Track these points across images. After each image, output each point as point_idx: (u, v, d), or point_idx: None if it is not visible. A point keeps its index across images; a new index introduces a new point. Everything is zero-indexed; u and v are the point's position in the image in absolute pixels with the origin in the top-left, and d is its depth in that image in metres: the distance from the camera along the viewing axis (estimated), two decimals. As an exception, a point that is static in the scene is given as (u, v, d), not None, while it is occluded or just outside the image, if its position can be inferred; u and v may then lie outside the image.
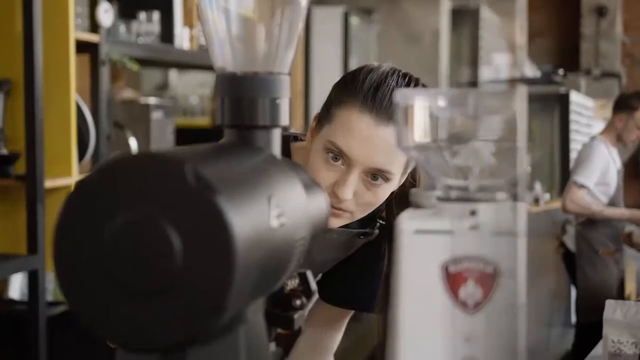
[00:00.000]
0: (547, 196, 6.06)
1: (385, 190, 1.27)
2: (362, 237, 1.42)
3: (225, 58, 0.82)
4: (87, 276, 0.62)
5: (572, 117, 6.99)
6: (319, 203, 0.85)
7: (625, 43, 9.07)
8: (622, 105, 4.31)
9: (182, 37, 3.14)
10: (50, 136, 2.43)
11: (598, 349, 2.13)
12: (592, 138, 4.51)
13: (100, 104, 2.67)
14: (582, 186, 4.19)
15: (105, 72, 2.67)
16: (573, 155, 7.13)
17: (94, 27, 2.65)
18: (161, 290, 0.60)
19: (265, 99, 0.80)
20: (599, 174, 4.23)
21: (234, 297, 0.61)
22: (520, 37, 5.50)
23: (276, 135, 0.82)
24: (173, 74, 5.34)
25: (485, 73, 5.34)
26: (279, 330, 0.91)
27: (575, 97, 7.03)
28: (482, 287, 0.68)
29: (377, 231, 1.41)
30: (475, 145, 0.72)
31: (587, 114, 7.48)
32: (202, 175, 0.60)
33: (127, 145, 2.88)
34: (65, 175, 2.49)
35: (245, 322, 0.68)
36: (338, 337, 1.52)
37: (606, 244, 4.37)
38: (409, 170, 1.32)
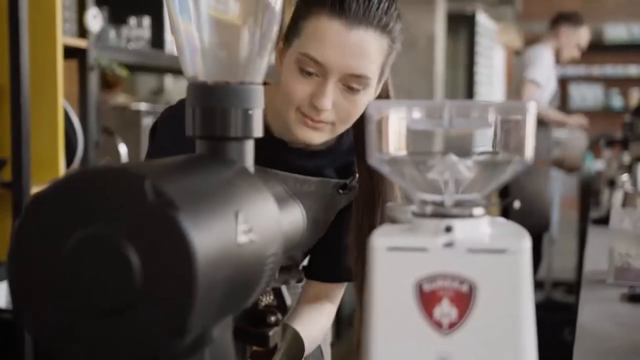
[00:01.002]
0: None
1: (363, 99, 1.25)
2: (341, 191, 1.41)
3: (196, 67, 0.79)
4: (43, 293, 0.60)
5: (477, 39, 7.11)
6: (293, 216, 0.83)
7: None
8: (569, 19, 4.39)
9: (173, 43, 3.12)
10: (37, 142, 2.40)
11: (600, 266, 1.97)
12: (534, 45, 4.60)
13: (89, 109, 2.64)
14: (536, 83, 4.26)
15: (93, 78, 2.64)
16: (477, 78, 7.25)
17: (83, 32, 2.62)
18: (120, 310, 0.58)
19: (237, 109, 0.77)
20: (546, 76, 4.31)
21: (197, 318, 0.59)
22: None
23: (249, 147, 0.79)
24: (168, 79, 5.32)
25: None
26: (254, 347, 0.89)
27: (481, 19, 7.12)
28: (457, 307, 0.65)
29: (355, 184, 1.39)
30: (451, 159, 0.69)
31: (490, 38, 7.65)
32: (163, 190, 0.58)
33: (117, 152, 2.85)
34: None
35: (211, 342, 0.65)
36: (333, 310, 1.49)
37: (542, 154, 4.39)
38: (384, 78, 1.31)
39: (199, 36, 0.79)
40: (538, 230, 4.39)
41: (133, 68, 3.29)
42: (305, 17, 1.24)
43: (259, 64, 0.80)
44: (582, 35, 4.35)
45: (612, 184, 3.19)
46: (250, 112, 0.78)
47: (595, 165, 8.85)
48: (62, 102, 2.46)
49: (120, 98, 3.96)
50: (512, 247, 0.64)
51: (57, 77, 2.43)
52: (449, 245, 0.65)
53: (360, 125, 1.31)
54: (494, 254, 0.64)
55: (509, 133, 0.66)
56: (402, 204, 0.77)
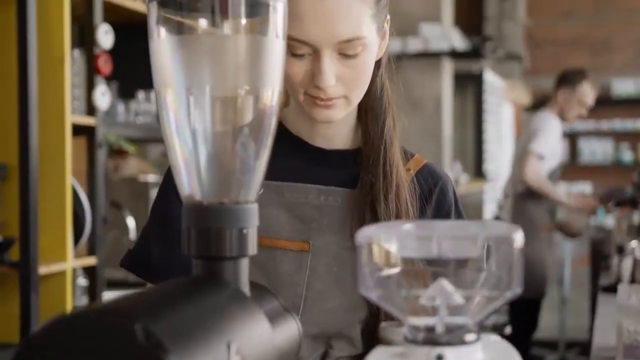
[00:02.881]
0: (465, 177, 6.16)
1: (367, 59, 1.17)
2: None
3: (192, 186, 0.80)
4: None
5: (485, 97, 7.15)
6: (289, 333, 0.83)
7: (528, 26, 9.29)
8: (564, 81, 4.39)
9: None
10: (45, 221, 2.42)
11: (609, 340, 1.91)
12: (541, 111, 4.57)
13: (97, 186, 2.67)
14: (540, 156, 4.21)
15: (102, 155, 2.67)
16: (486, 136, 7.27)
17: (91, 109, 2.66)
18: None
19: (232, 229, 0.78)
20: (552, 147, 4.28)
21: None
22: (446, 6, 5.49)
23: (244, 265, 0.80)
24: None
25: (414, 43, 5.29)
26: None
27: (488, 77, 7.17)
28: None
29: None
30: (442, 285, 0.70)
31: (498, 94, 7.68)
32: (152, 332, 0.58)
33: (125, 225, 2.87)
34: (61, 260, 2.48)
35: None
36: None
37: (544, 219, 4.35)
38: (386, 24, 1.22)
39: (195, 156, 0.80)
40: (534, 296, 4.36)
41: (142, 140, 3.33)
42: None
43: (253, 181, 0.81)
44: (582, 93, 4.35)
45: (621, 250, 3.17)
46: (245, 231, 0.79)
47: (607, 220, 8.80)
48: (70, 181, 2.48)
49: (132, 162, 3.99)
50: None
51: (66, 155, 2.46)
52: (440, 375, 0.65)
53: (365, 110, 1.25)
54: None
55: (498, 261, 0.67)
56: (396, 324, 0.77)
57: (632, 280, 2.83)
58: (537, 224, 4.30)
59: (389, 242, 0.69)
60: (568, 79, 4.40)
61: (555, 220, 4.47)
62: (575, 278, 6.00)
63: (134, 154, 4.06)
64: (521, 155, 4.36)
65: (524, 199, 4.38)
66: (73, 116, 2.54)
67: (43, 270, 2.38)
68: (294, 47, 1.14)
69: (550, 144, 4.27)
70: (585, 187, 9.97)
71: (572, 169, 10.01)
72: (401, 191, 1.24)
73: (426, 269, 0.70)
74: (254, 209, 0.80)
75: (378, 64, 1.26)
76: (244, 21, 0.77)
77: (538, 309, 4.49)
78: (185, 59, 0.78)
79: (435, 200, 1.29)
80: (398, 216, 1.23)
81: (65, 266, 2.48)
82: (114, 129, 2.80)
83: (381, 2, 1.18)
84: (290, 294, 1.21)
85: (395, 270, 0.71)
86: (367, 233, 0.70)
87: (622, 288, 1.91)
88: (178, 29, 0.78)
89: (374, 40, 1.18)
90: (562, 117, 4.40)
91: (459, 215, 1.32)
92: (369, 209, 1.22)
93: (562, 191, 4.43)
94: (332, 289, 1.21)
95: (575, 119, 4.48)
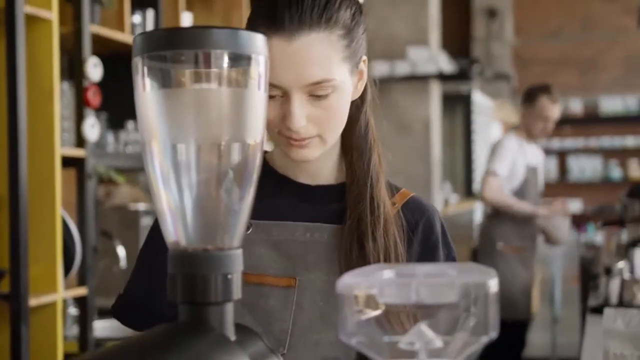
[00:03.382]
0: (455, 197, 6.19)
1: (338, 100, 1.18)
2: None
3: (177, 233, 0.83)
4: None
5: (473, 117, 7.19)
6: (274, 375, 0.85)
7: (516, 46, 9.38)
8: (525, 98, 4.44)
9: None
10: (35, 253, 2.43)
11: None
12: (508, 132, 4.63)
13: (87, 216, 2.68)
14: (496, 174, 4.26)
15: (91, 186, 2.68)
16: (475, 155, 7.32)
17: (81, 141, 2.68)
18: None
19: (217, 275, 0.80)
20: (509, 166, 4.30)
21: None
22: (433, 30, 5.53)
23: (229, 310, 0.82)
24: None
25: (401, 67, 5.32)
26: None
27: (476, 98, 7.23)
28: None
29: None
30: (420, 327, 0.72)
31: (487, 114, 7.73)
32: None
33: (115, 255, 2.88)
34: (51, 291, 2.49)
35: None
36: None
37: (508, 239, 4.34)
38: (362, 63, 1.23)
39: (180, 205, 0.82)
40: (520, 317, 4.37)
41: (132, 169, 3.35)
42: None
43: (237, 227, 0.84)
44: (542, 107, 4.33)
45: (608, 271, 3.19)
46: (229, 276, 0.81)
47: (597, 237, 8.85)
48: (60, 213, 2.50)
49: (123, 189, 4.00)
50: None
51: (56, 187, 2.48)
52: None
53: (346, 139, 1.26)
54: None
55: (474, 306, 0.69)
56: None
57: (620, 301, 2.85)
58: (502, 245, 4.31)
59: (369, 289, 0.71)
60: (527, 95, 4.44)
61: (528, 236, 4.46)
62: (566, 296, 6.03)
63: (125, 183, 4.08)
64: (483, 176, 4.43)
65: (490, 220, 4.41)
66: (63, 148, 2.56)
67: (33, 302, 2.39)
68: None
69: (506, 163, 4.29)
70: (575, 204, 10.04)
71: (561, 186, 10.07)
72: (389, 227, 1.26)
73: (406, 314, 0.73)
74: (238, 254, 0.82)
75: (362, 101, 1.28)
76: (227, 74, 0.80)
77: (526, 329, 4.50)
78: (170, 112, 0.80)
79: (421, 233, 1.31)
80: (386, 252, 1.25)
81: (55, 297, 2.49)
82: (103, 160, 2.82)
83: (353, 44, 1.20)
84: (277, 330, 1.23)
85: (375, 315, 0.73)
86: (347, 281, 0.72)
87: (608, 312, 1.92)
88: (163, 83, 0.81)
89: (346, 81, 1.19)
90: (529, 135, 4.40)
91: (447, 247, 1.34)
92: (357, 244, 1.24)
93: (543, 210, 4.44)
94: (318, 324, 1.23)
95: (541, 134, 4.45)
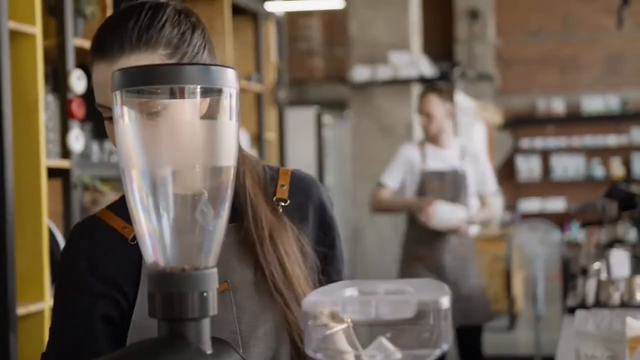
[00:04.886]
0: None
1: (175, 118, 1.18)
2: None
3: (156, 254, 0.88)
4: None
5: (456, 118, 7.26)
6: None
7: (498, 46, 9.48)
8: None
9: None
10: (22, 262, 2.48)
11: None
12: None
13: (73, 226, 2.73)
14: (381, 185, 4.20)
15: (76, 196, 2.73)
16: None
17: (65, 152, 2.73)
18: None
19: (194, 293, 0.86)
20: (402, 175, 4.20)
21: None
22: (414, 34, 5.55)
23: (205, 325, 0.88)
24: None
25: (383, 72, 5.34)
26: None
27: (459, 98, 7.32)
28: None
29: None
30: (381, 341, 0.78)
31: (470, 115, 7.81)
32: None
33: (101, 262, 2.92)
34: (38, 300, 2.54)
35: None
36: None
37: (412, 249, 4.25)
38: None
39: (158, 228, 0.88)
40: (481, 319, 4.32)
41: (117, 179, 3.39)
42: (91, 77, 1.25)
43: (213, 247, 0.89)
44: (422, 105, 4.25)
45: (584, 272, 3.25)
46: (205, 294, 0.87)
47: (579, 235, 8.93)
48: (46, 223, 2.55)
49: (109, 196, 4.04)
50: None
51: (42, 198, 2.53)
52: None
53: None
54: None
55: (429, 322, 0.75)
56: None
57: (597, 302, 2.91)
58: (409, 257, 4.21)
59: (333, 306, 0.77)
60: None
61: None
62: (550, 293, 6.11)
63: (111, 190, 4.12)
64: None
65: (404, 234, 4.35)
66: (48, 159, 2.61)
67: (21, 311, 2.44)
68: (103, 112, 1.22)
69: (394, 173, 4.19)
70: (558, 203, 10.16)
71: (545, 185, 10.17)
72: (276, 234, 1.30)
73: (365, 329, 0.79)
74: (213, 273, 0.88)
75: None
76: (200, 106, 0.85)
77: (480, 331, 4.40)
78: (148, 141, 0.86)
79: (313, 210, 1.37)
80: (280, 260, 1.29)
81: (43, 305, 2.54)
82: (88, 169, 2.87)
83: (185, 59, 1.24)
84: (226, 333, 1.26)
85: (338, 330, 0.79)
86: (311, 299, 0.78)
87: (580, 314, 1.98)
88: (140, 115, 0.87)
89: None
90: (429, 139, 4.28)
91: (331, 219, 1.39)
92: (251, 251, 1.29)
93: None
94: (260, 316, 1.28)
95: (427, 131, 4.26)
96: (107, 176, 3.03)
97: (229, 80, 0.87)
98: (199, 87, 0.85)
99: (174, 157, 0.87)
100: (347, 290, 0.81)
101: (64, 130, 2.71)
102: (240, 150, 1.32)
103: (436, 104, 4.22)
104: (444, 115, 4.23)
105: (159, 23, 1.22)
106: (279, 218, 1.32)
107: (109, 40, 1.20)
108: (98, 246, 1.30)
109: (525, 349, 6.08)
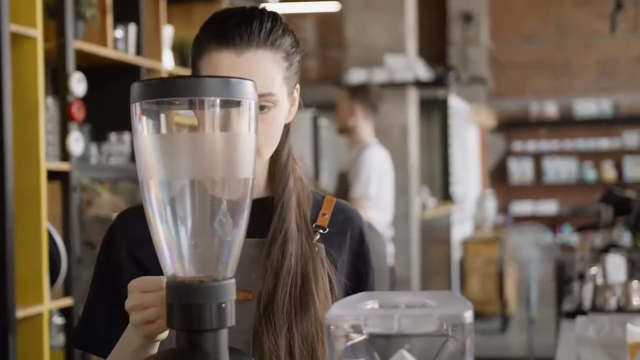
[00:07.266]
0: (433, 201, 6.25)
1: (277, 116, 1.25)
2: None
3: (175, 266, 0.88)
4: None
5: (450, 121, 7.31)
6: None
7: (491, 49, 9.52)
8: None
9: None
10: (21, 265, 2.48)
11: None
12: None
13: (72, 229, 2.73)
14: (366, 197, 3.83)
15: (76, 198, 2.73)
16: (452, 159, 7.41)
17: (65, 155, 2.72)
18: None
19: (212, 304, 0.87)
20: (377, 182, 3.89)
21: None
22: (410, 38, 5.55)
23: (223, 335, 0.88)
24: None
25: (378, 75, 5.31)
26: None
27: (453, 102, 7.35)
28: None
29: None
30: (402, 353, 0.78)
31: (463, 118, 7.85)
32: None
33: (99, 265, 2.91)
34: (37, 302, 2.53)
35: None
36: None
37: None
38: (295, 91, 1.31)
39: (177, 240, 0.88)
40: None
41: (115, 180, 3.39)
42: (199, 57, 1.26)
43: (231, 258, 0.90)
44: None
45: (581, 277, 3.27)
46: (223, 305, 0.87)
47: (572, 238, 8.95)
48: (46, 225, 2.54)
49: (104, 197, 4.03)
50: None
51: (41, 201, 2.52)
52: None
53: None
54: None
55: (451, 336, 0.75)
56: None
57: (593, 307, 2.92)
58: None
59: (355, 320, 0.78)
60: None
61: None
62: (543, 296, 6.12)
63: (107, 186, 4.11)
64: None
65: None
66: (48, 162, 2.61)
67: (20, 313, 2.44)
68: None
69: (372, 181, 3.90)
70: (550, 206, 10.18)
71: (537, 188, 10.19)
72: (288, 246, 1.28)
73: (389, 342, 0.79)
74: (231, 284, 0.88)
75: (287, 129, 1.33)
76: (219, 118, 0.86)
77: None
78: (167, 153, 0.86)
79: (350, 239, 1.37)
80: (304, 281, 1.28)
81: (42, 308, 2.54)
82: (87, 171, 2.86)
83: (291, 68, 1.29)
84: (241, 344, 1.25)
85: (360, 342, 0.79)
86: (334, 313, 0.78)
87: (580, 320, 1.98)
88: (159, 127, 0.87)
89: (284, 101, 1.27)
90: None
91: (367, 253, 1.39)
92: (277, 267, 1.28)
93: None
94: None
95: (369, 132, 4.13)
96: (105, 178, 3.03)
97: (248, 92, 0.88)
98: (218, 99, 0.86)
99: (192, 168, 0.87)
100: (367, 303, 0.81)
101: (64, 133, 2.71)
102: (294, 170, 1.33)
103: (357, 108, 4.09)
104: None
105: (279, 30, 1.27)
106: (312, 246, 1.30)
107: (237, 32, 1.23)
108: (139, 235, 1.29)
109: (517, 352, 6.10)
